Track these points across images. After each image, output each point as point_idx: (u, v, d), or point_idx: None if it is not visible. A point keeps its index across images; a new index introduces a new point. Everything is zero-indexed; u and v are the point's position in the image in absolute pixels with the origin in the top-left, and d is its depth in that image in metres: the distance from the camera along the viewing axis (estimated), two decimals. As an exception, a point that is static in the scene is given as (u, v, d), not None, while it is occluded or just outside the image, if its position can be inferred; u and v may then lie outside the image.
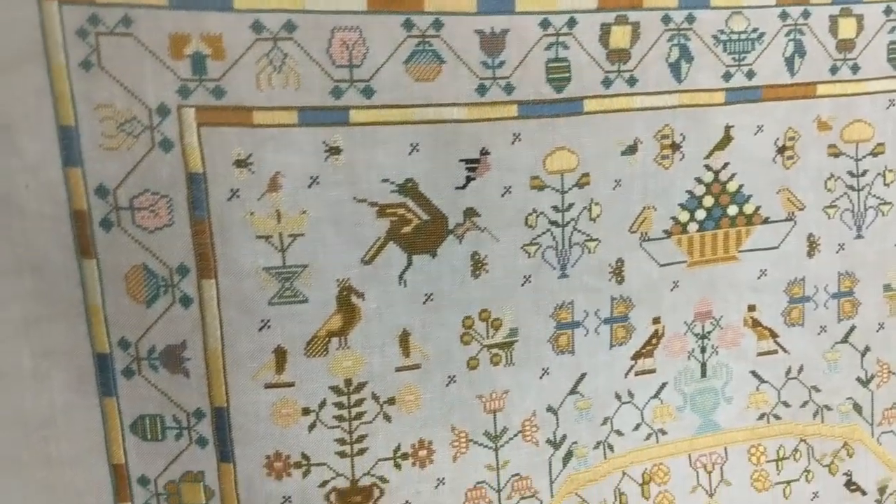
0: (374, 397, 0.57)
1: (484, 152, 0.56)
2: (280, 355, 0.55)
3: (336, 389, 0.56)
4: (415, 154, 0.55)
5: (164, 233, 0.52)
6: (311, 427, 0.56)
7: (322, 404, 0.56)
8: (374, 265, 0.56)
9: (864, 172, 0.69)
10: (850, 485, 0.72)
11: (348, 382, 0.57)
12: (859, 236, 0.69)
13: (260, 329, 0.54)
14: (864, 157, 0.68)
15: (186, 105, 0.51)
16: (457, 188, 0.57)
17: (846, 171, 0.68)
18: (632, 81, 0.60)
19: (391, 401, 0.58)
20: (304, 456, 0.56)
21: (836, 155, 0.68)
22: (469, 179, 0.57)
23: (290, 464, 0.56)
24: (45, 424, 0.53)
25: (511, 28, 0.56)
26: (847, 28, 0.65)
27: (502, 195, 0.58)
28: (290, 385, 0.55)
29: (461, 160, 0.56)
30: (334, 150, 0.54)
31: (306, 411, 0.56)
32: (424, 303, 0.57)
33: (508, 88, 0.56)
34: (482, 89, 0.56)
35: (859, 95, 0.67)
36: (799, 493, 0.70)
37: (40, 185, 0.49)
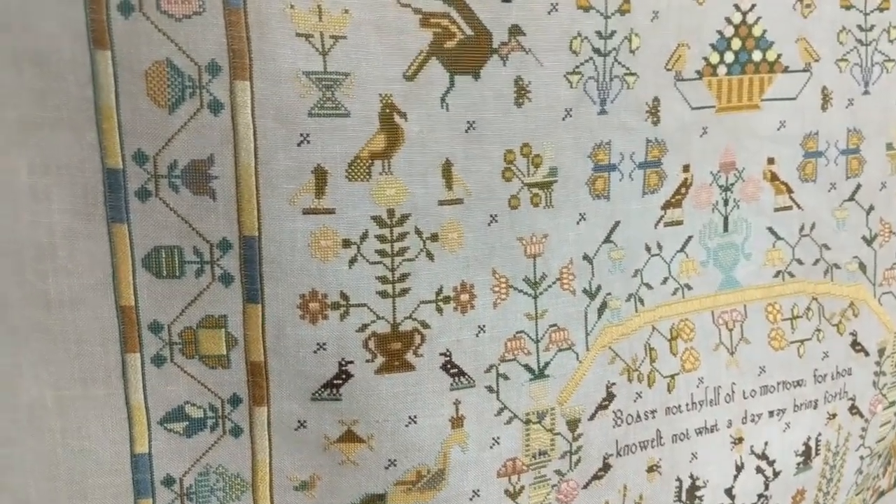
0: (418, 232, 0.54)
1: (532, -40, 0.54)
2: (320, 176, 0.51)
3: (378, 220, 0.53)
4: (460, -41, 0.53)
5: (193, 22, 0.47)
6: (352, 262, 0.53)
7: (364, 236, 0.53)
8: (417, 82, 0.53)
9: (872, 27, 0.72)
10: (856, 345, 0.76)
11: (391, 213, 0.54)
12: (866, 92, 0.73)
13: (299, 144, 0.50)
14: (871, 11, 0.72)
15: None
16: (502, 1, 0.54)
17: (856, 24, 0.71)
18: None
19: (434, 237, 0.55)
20: (343, 295, 0.53)
21: (848, 7, 0.70)
22: (516, -9, 0.55)
23: (326, 304, 0.53)
24: (41, 256, 0.47)
25: None
26: None
27: (549, 12, 0.56)
28: (331, 212, 0.52)
29: (508, -31, 0.54)
30: (378, -56, 0.50)
31: (347, 243, 0.52)
32: (467, 131, 0.55)
33: None
34: None
35: (870, -53, 0.70)
36: (812, 352, 0.73)
37: (47, -47, 0.43)
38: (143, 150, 0.47)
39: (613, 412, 0.64)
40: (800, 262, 0.73)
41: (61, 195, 0.47)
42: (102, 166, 0.47)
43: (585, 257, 0.62)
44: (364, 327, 0.54)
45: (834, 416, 0.76)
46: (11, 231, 0.46)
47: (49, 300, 0.48)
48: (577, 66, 0.58)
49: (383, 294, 0.54)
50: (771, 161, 0.70)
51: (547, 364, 0.61)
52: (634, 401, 0.65)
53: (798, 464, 0.75)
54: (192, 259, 0.50)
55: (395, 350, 0.55)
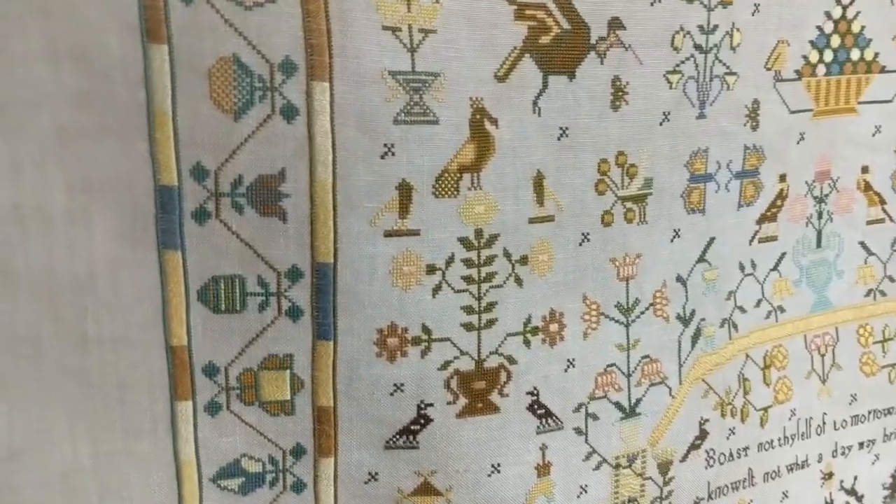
0: (506, 254, 0.48)
1: (637, -55, 0.48)
2: (405, 192, 0.44)
3: (465, 242, 0.47)
4: (560, -59, 0.46)
5: (265, 11, 0.39)
6: (436, 290, 0.46)
7: (450, 261, 0.46)
8: (508, 84, 0.46)
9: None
10: (945, 368, 0.70)
11: (479, 234, 0.47)
12: (959, 94, 0.67)
13: (383, 156, 0.43)
14: (967, 5, 0.66)
15: None
16: (603, -11, 0.48)
17: (950, 21, 0.66)
18: None
19: (523, 260, 0.49)
20: (425, 329, 0.46)
21: (943, 2, 0.65)
22: (617, -21, 0.48)
23: (406, 339, 0.46)
24: (79, 289, 0.40)
25: None
26: None
27: (652, 3, 0.50)
28: (415, 233, 0.45)
29: (610, -48, 0.48)
30: (471, -77, 0.43)
31: (431, 269, 0.46)
32: (559, 138, 0.49)
33: None
34: None
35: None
36: (902, 377, 0.68)
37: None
38: (202, 163, 0.40)
39: (706, 451, 0.58)
40: (891, 279, 0.67)
41: (104, 217, 0.39)
42: (154, 183, 0.40)
43: (679, 279, 0.56)
44: (446, 364, 0.47)
45: (920, 445, 0.71)
46: (44, 260, 0.39)
47: (87, 340, 0.40)
48: (678, 65, 0.52)
49: (468, 326, 0.48)
50: (865, 170, 0.64)
51: (639, 401, 0.55)
52: (727, 438, 0.59)
53: (885, 497, 0.70)
54: (256, 290, 0.43)
55: (479, 390, 0.49)
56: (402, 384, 0.47)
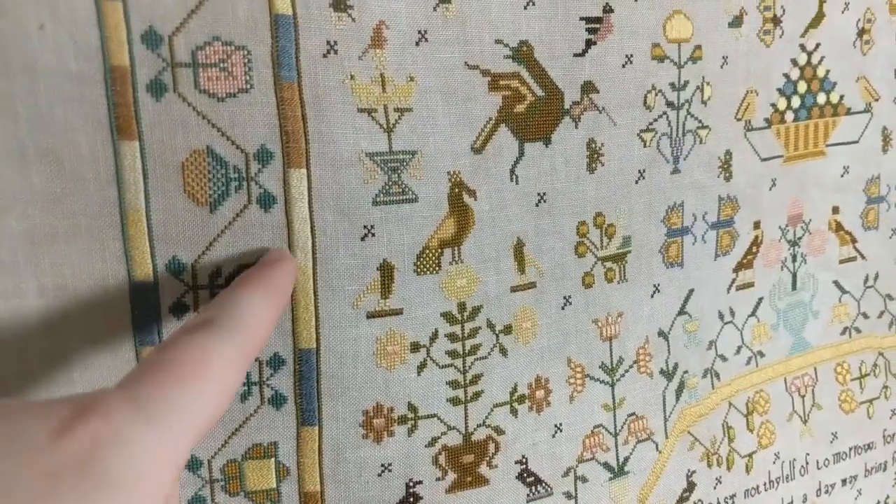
0: (490, 325, 0.48)
1: (607, 9, 0.48)
2: (387, 273, 0.44)
3: (449, 317, 0.46)
4: (531, 8, 0.46)
5: (238, 101, 0.39)
6: (421, 367, 0.46)
7: (434, 337, 0.46)
8: (485, 154, 0.46)
9: (927, 61, 0.68)
10: (920, 399, 0.72)
11: (462, 307, 0.47)
12: (924, 131, 0.69)
13: (363, 238, 0.43)
14: (926, 44, 0.68)
15: (270, -84, 0.38)
16: (575, 55, 0.48)
17: (912, 59, 0.67)
18: (739, -61, 0.54)
19: (507, 329, 0.48)
20: (411, 407, 0.46)
21: (904, 41, 0.66)
22: (589, 44, 0.48)
23: (393, 419, 0.46)
24: (55, 392, 0.39)
25: None
26: None
27: (623, 66, 0.50)
28: (398, 312, 0.45)
29: (581, 18, 0.48)
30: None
31: (415, 347, 0.45)
32: (537, 204, 0.49)
33: (630, -67, 0.49)
34: (604, -69, 0.48)
35: (925, -24, 0.66)
36: (880, 412, 0.69)
37: (61, 29, 0.35)
38: (179, 258, 0.39)
39: (694, 503, 0.58)
40: (865, 315, 0.68)
41: (79, 319, 0.38)
42: (129, 280, 0.39)
43: (661, 333, 0.56)
44: (434, 441, 0.47)
45: (900, 475, 0.72)
46: (18, 367, 0.37)
47: (67, 446, 0.39)
48: (651, 123, 0.52)
49: (455, 401, 0.47)
50: (835, 210, 0.65)
51: (626, 459, 0.54)
52: (714, 487, 0.60)
53: (868, 532, 0.70)
54: (238, 381, 0.42)
55: (467, 464, 0.48)
56: (390, 464, 0.46)
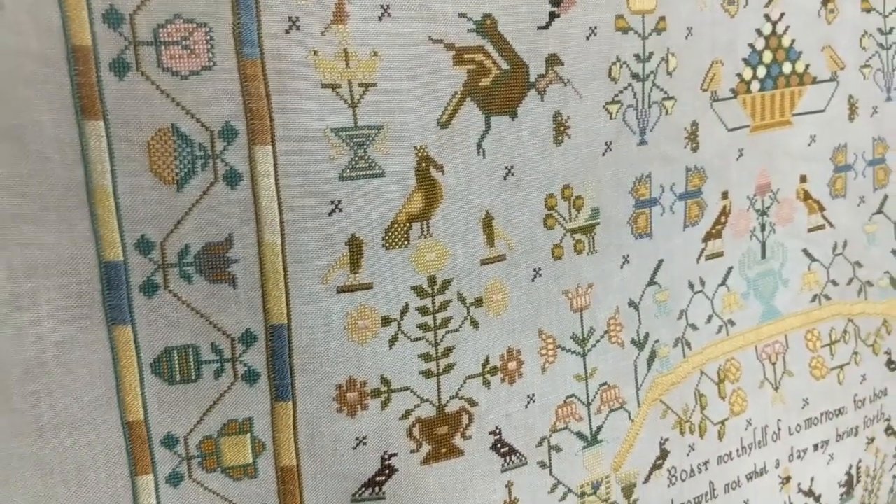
0: (461, 298, 0.49)
1: (569, -19, 0.49)
2: (355, 247, 0.45)
3: (419, 290, 0.47)
4: (493, -18, 0.47)
5: (202, 79, 0.40)
6: (393, 341, 0.47)
7: (404, 310, 0.47)
8: (451, 129, 0.47)
9: (892, 29, 0.70)
10: (891, 364, 0.74)
11: (432, 280, 0.48)
12: (889, 98, 0.71)
13: (330, 213, 0.44)
14: (890, 13, 0.69)
15: None
16: (539, 28, 0.49)
17: (876, 27, 0.69)
18: None
19: (478, 302, 0.50)
20: (384, 380, 0.47)
21: (868, 10, 0.68)
22: (553, 16, 0.50)
23: (366, 392, 0.47)
24: (30, 375, 0.40)
25: None
26: None
27: (587, 38, 0.51)
28: (368, 287, 0.46)
29: (544, -9, 0.49)
30: (406, -29, 0.44)
31: (386, 321, 0.47)
32: (505, 178, 0.50)
33: None
34: None
35: (887, -58, 0.67)
36: (851, 377, 0.71)
37: (21, 7, 0.36)
38: (147, 236, 0.40)
39: (668, 470, 0.60)
40: (834, 283, 0.70)
41: (50, 300, 0.39)
42: (99, 260, 0.40)
43: (631, 304, 0.57)
44: (407, 414, 0.48)
45: (872, 440, 0.75)
46: (-11, 350, 0.38)
47: (42, 427, 0.40)
48: (617, 95, 0.54)
49: (427, 374, 0.49)
50: (803, 179, 0.67)
51: (599, 428, 0.56)
52: (687, 454, 0.62)
53: (842, 495, 0.73)
54: (210, 358, 0.43)
55: (441, 435, 0.50)
56: (365, 437, 0.47)
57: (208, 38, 0.39)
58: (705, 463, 0.63)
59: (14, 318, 0.39)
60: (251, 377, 0.44)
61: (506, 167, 0.50)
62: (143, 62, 0.38)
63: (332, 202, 0.44)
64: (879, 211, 0.72)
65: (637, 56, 0.54)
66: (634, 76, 0.54)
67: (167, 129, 0.40)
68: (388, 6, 0.44)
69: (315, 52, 0.42)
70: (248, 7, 0.40)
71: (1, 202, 0.37)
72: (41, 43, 0.36)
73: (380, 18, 0.44)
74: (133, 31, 0.38)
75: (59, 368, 0.40)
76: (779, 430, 0.67)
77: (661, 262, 0.59)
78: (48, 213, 0.38)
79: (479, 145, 0.49)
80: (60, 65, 0.37)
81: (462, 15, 0.47)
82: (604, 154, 0.54)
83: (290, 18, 0.41)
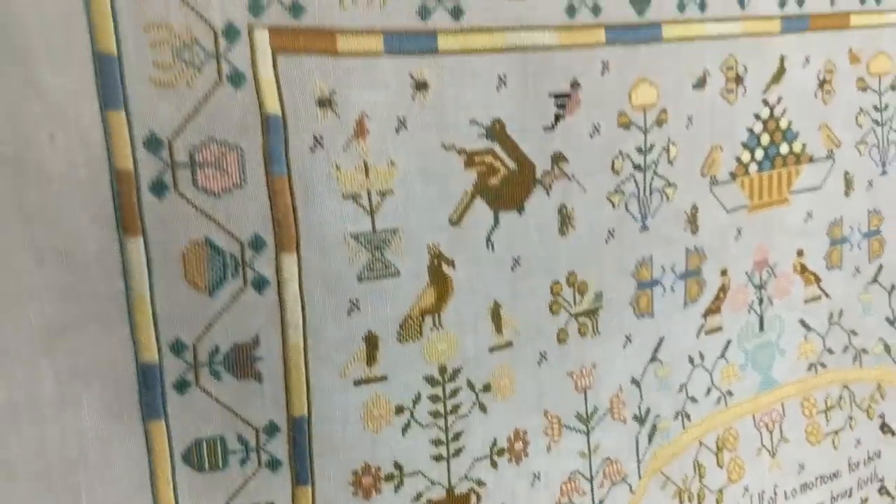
0: (470, 385, 0.52)
1: (575, 84, 0.53)
2: (371, 343, 0.48)
3: (430, 380, 0.51)
4: (503, 89, 0.51)
5: (233, 196, 0.43)
6: (405, 429, 0.50)
7: (416, 399, 0.51)
8: (462, 226, 0.51)
9: (886, 106, 0.73)
10: (884, 427, 0.77)
11: (443, 370, 0.51)
12: (884, 172, 0.74)
13: (349, 312, 0.47)
14: (885, 90, 0.73)
15: (259, 25, 0.43)
16: (545, 129, 0.53)
17: (872, 105, 0.72)
18: (702, 6, 0.59)
19: (486, 387, 0.53)
20: (397, 465, 0.51)
21: (864, 89, 0.71)
22: (558, 118, 0.53)
23: (380, 477, 0.50)
24: (72, 469, 0.43)
25: (595, -59, 0.53)
26: (874, -45, 0.69)
27: (591, 135, 0.55)
28: (383, 379, 0.49)
29: (551, 94, 0.53)
30: (421, 86, 0.48)
31: (399, 410, 0.50)
32: (513, 268, 0.53)
33: (596, 10, 0.53)
34: (571, 10, 0.52)
35: (883, 28, 0.71)
36: (846, 442, 0.74)
37: (69, 137, 0.40)
38: (181, 338, 0.44)
39: (668, 539, 0.64)
40: (830, 351, 0.73)
41: (91, 399, 0.43)
42: (136, 362, 0.43)
43: (633, 381, 0.61)
44: (419, 496, 0.52)
45: (866, 500, 0.77)
46: (37, 447, 0.42)
47: (81, 513, 0.44)
48: (619, 185, 0.57)
49: (437, 458, 0.52)
50: (800, 253, 0.70)
51: (601, 502, 0.59)
52: (686, 523, 0.65)
53: (837, 555, 0.76)
54: (237, 448, 0.47)
55: (451, 514, 0.53)
56: (379, 517, 0.51)
57: (240, 158, 0.43)
58: (704, 530, 0.66)
59: (59, 417, 0.42)
60: (274, 465, 0.48)
61: (513, 258, 0.53)
62: (180, 182, 0.42)
63: (351, 302, 0.47)
64: (874, 280, 0.75)
65: (639, 149, 0.57)
66: (636, 167, 0.58)
67: (201, 241, 0.43)
68: (404, 119, 0.48)
69: (337, 167, 0.46)
70: (277, 129, 0.43)
71: (48, 313, 0.41)
72: (87, 169, 0.40)
73: (397, 131, 0.47)
74: (171, 154, 0.42)
75: (99, 461, 0.43)
76: (775, 495, 0.70)
77: (662, 339, 0.62)
78: (91, 322, 0.42)
79: (488, 239, 0.52)
80: (104, 188, 0.41)
81: (473, 121, 0.50)
82: (607, 241, 0.57)
83: (314, 137, 0.45)
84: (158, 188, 0.42)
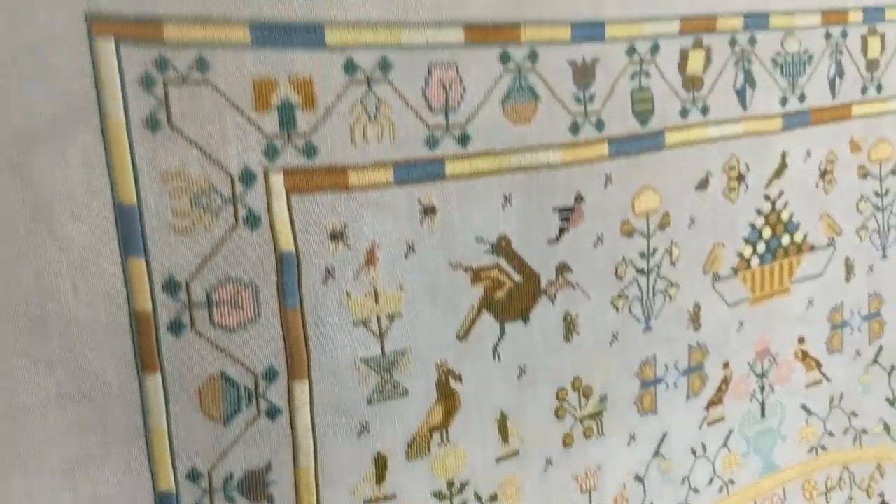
0: (477, 497, 0.54)
1: (579, 198, 0.55)
2: (380, 463, 0.50)
3: (438, 495, 0.53)
4: (508, 207, 0.53)
5: (248, 330, 0.45)
6: (414, 545, 0.52)
7: (425, 514, 0.52)
8: (469, 340, 0.53)
9: (887, 191, 0.75)
10: (885, 506, 0.78)
11: (450, 484, 0.53)
12: (884, 256, 0.75)
13: (359, 435, 0.49)
14: (886, 176, 0.74)
15: (274, 169, 0.44)
16: (550, 241, 0.55)
17: (873, 191, 0.74)
18: (705, 110, 0.61)
19: (493, 497, 0.55)
20: (406, 582, 0.52)
21: (865, 175, 0.73)
22: (562, 231, 0.55)
23: (389, 590, 0.52)
24: None
25: (600, 57, 0.55)
26: (874, 47, 0.70)
27: (594, 245, 0.56)
28: (392, 497, 0.51)
29: (555, 209, 0.54)
30: (429, 210, 0.50)
31: (409, 525, 0.52)
32: (519, 377, 0.55)
33: (599, 125, 0.55)
34: (575, 128, 0.54)
35: (884, 115, 0.72)
36: (847, 523, 0.76)
37: (91, 286, 0.41)
38: (196, 467, 0.45)
39: None
40: (831, 434, 0.75)
41: (109, 528, 0.44)
42: (154, 491, 0.45)
43: (637, 478, 0.62)
44: None
45: (867, 577, 0.79)
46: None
47: None
48: (623, 290, 0.59)
49: (445, 574, 0.53)
50: (801, 340, 0.72)
51: None
52: None
53: None
54: (249, 570, 0.48)
55: None
56: None
57: (254, 294, 0.45)
58: None
59: (76, 549, 0.44)
60: (285, 584, 0.49)
61: (519, 367, 0.55)
62: (197, 321, 0.44)
63: (361, 424, 0.49)
64: (875, 362, 0.76)
65: (642, 253, 0.59)
66: (639, 271, 0.59)
67: (217, 375, 0.45)
68: (413, 243, 0.49)
69: (348, 295, 0.47)
70: (291, 266, 0.45)
71: (71, 445, 0.42)
72: (108, 314, 0.42)
73: (406, 256, 0.49)
74: (189, 295, 0.43)
75: (116, 588, 0.45)
76: (777, 580, 0.72)
77: (665, 434, 0.63)
78: (111, 455, 0.43)
79: (494, 350, 0.54)
80: (124, 330, 0.42)
81: (479, 239, 0.52)
82: (611, 344, 0.59)
83: (326, 269, 0.46)
84: (176, 327, 0.43)
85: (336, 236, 0.46)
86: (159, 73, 0.41)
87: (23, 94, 0.38)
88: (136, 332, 0.42)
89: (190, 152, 0.42)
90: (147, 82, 0.41)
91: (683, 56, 0.59)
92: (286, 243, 0.45)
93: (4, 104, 0.38)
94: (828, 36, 0.67)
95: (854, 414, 0.76)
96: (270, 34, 0.43)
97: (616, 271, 0.58)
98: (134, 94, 0.40)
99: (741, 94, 0.62)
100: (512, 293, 0.54)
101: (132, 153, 0.41)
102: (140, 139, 0.41)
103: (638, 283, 0.59)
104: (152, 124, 0.41)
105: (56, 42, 0.38)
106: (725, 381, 0.67)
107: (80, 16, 0.39)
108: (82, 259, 0.41)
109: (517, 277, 0.54)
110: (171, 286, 0.43)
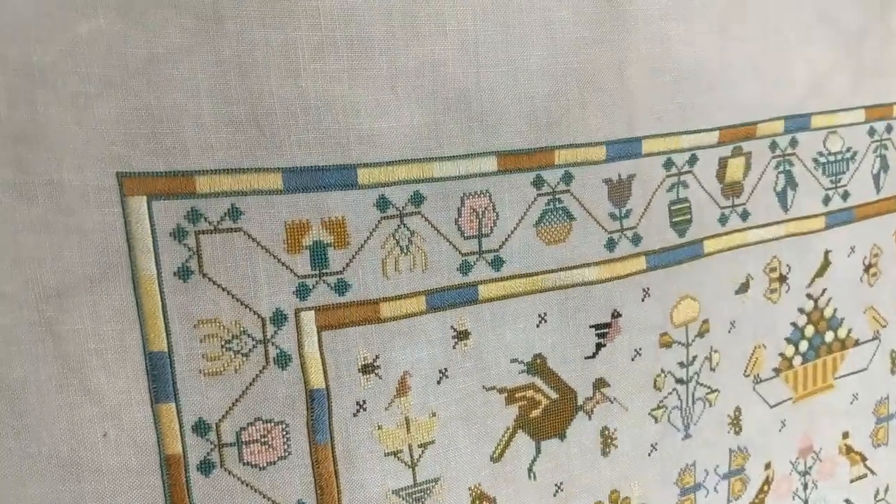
0: None
1: (615, 314, 0.52)
2: None
3: None
4: (543, 326, 0.50)
5: (278, 468, 0.43)
6: None
7: None
8: (503, 461, 0.50)
9: (935, 280, 0.70)
10: None
11: None
12: (933, 345, 0.70)
13: (391, 568, 0.46)
14: (934, 258, 0.70)
15: (305, 307, 0.42)
16: (586, 358, 0.52)
17: (920, 281, 0.69)
18: (745, 215, 0.57)
19: None
20: None
21: (910, 263, 0.68)
22: (599, 347, 0.52)
23: None
24: None
25: (637, 173, 0.52)
26: (919, 137, 0.66)
27: (632, 359, 0.53)
28: None
29: (591, 326, 0.51)
30: (462, 335, 0.47)
31: None
32: (555, 494, 0.52)
33: (636, 240, 0.52)
34: (611, 244, 0.51)
35: (929, 204, 0.68)
36: None
37: (122, 433, 0.40)
38: None
39: None
40: (877, 528, 0.70)
41: None
42: None
43: (675, 587, 0.59)
44: None
45: None
46: None
47: None
48: (662, 401, 0.56)
49: None
50: (846, 435, 0.67)
51: None
52: None
53: None
54: None
55: None
56: None
57: (284, 432, 0.43)
58: None
59: None
60: None
61: (555, 485, 0.52)
62: (227, 460, 0.42)
63: (393, 560, 0.46)
64: (923, 453, 0.71)
65: (681, 363, 0.56)
66: (678, 381, 0.56)
67: (247, 512, 0.43)
68: (445, 369, 0.47)
69: (379, 427, 0.45)
70: (321, 402, 0.43)
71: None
72: (138, 458, 0.40)
73: (438, 382, 0.47)
74: (219, 436, 0.41)
75: None
76: None
77: (704, 540, 0.60)
78: None
79: (530, 470, 0.51)
80: (154, 473, 0.41)
81: (514, 360, 0.49)
82: (650, 454, 0.56)
83: (357, 403, 0.44)
84: (206, 467, 0.42)
85: (367, 369, 0.44)
86: (191, 224, 0.39)
87: (56, 253, 0.37)
88: (165, 474, 0.41)
89: (221, 298, 0.40)
90: (179, 234, 0.39)
91: (722, 164, 0.56)
92: (317, 380, 0.43)
93: (38, 264, 0.37)
94: (872, 132, 0.63)
95: (901, 507, 0.71)
96: (303, 179, 0.41)
97: (654, 383, 0.55)
98: (165, 245, 0.39)
99: (782, 197, 0.59)
100: (548, 411, 0.51)
101: (163, 303, 0.39)
102: (171, 289, 0.39)
103: (677, 393, 0.56)
104: (184, 274, 0.39)
105: (88, 202, 0.37)
106: (767, 481, 0.63)
107: (112, 176, 0.37)
108: (113, 408, 0.39)
109: (553, 395, 0.51)
110: (201, 428, 0.41)
